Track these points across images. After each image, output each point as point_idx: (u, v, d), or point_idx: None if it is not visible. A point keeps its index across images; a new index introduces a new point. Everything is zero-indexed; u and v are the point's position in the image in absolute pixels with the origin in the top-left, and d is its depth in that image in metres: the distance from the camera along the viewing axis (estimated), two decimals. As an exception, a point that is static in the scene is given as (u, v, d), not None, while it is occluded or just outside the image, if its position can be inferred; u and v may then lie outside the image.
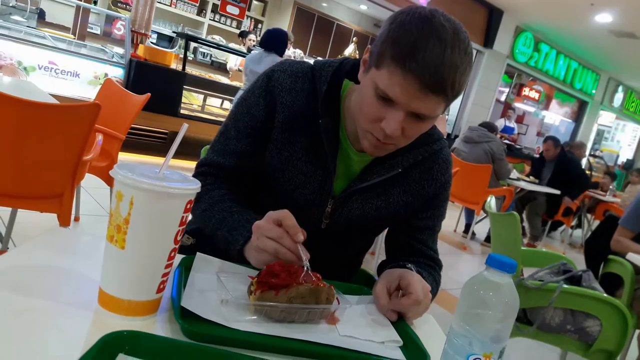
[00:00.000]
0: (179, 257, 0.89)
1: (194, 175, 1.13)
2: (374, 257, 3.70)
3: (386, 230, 1.25)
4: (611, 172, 8.87)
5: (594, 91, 12.45)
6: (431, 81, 0.86)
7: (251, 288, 0.81)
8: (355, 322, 0.86)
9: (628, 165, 13.65)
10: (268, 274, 0.81)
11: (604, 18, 7.82)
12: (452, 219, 6.12)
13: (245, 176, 1.14)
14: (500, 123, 9.40)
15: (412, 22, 0.88)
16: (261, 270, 0.83)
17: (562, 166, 6.05)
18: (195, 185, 0.72)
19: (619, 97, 13.35)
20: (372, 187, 1.10)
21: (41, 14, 7.26)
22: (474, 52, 0.95)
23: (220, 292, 0.83)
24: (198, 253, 0.93)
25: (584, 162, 9.22)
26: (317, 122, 1.05)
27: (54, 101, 2.26)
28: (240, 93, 4.91)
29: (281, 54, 4.53)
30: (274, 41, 4.52)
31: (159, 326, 0.72)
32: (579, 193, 6.21)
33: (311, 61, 1.15)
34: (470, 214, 5.67)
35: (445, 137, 1.20)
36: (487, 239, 5.66)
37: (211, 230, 1.05)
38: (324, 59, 1.13)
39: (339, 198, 1.09)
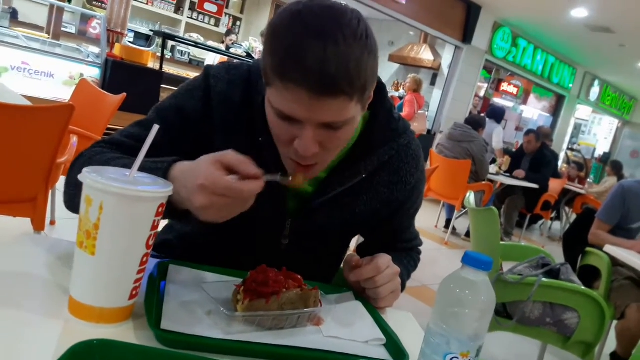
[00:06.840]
0: (152, 262, 0.87)
1: (85, 150, 0.95)
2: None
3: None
4: (578, 163, 8.98)
5: (571, 85, 12.62)
6: (319, 85, 0.74)
7: (238, 297, 0.79)
8: (338, 322, 0.86)
9: (605, 158, 13.87)
10: (254, 282, 0.79)
11: (579, 13, 7.92)
12: (433, 214, 6.16)
13: None
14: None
15: (282, 25, 0.77)
16: (246, 278, 0.81)
17: (539, 161, 6.17)
18: (167, 188, 0.71)
19: (595, 91, 13.54)
20: (335, 199, 0.99)
21: (14, 14, 7.12)
22: (372, 36, 0.78)
23: (204, 304, 0.80)
24: (171, 265, 0.89)
25: (561, 155, 9.34)
26: (258, 138, 0.93)
27: (26, 102, 2.22)
28: None
29: (499, 122, 6.96)
30: (494, 113, 7.07)
31: (132, 334, 0.70)
32: (543, 179, 6.26)
33: None
34: (450, 210, 5.70)
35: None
36: (468, 234, 5.70)
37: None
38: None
39: (298, 216, 1.00)
